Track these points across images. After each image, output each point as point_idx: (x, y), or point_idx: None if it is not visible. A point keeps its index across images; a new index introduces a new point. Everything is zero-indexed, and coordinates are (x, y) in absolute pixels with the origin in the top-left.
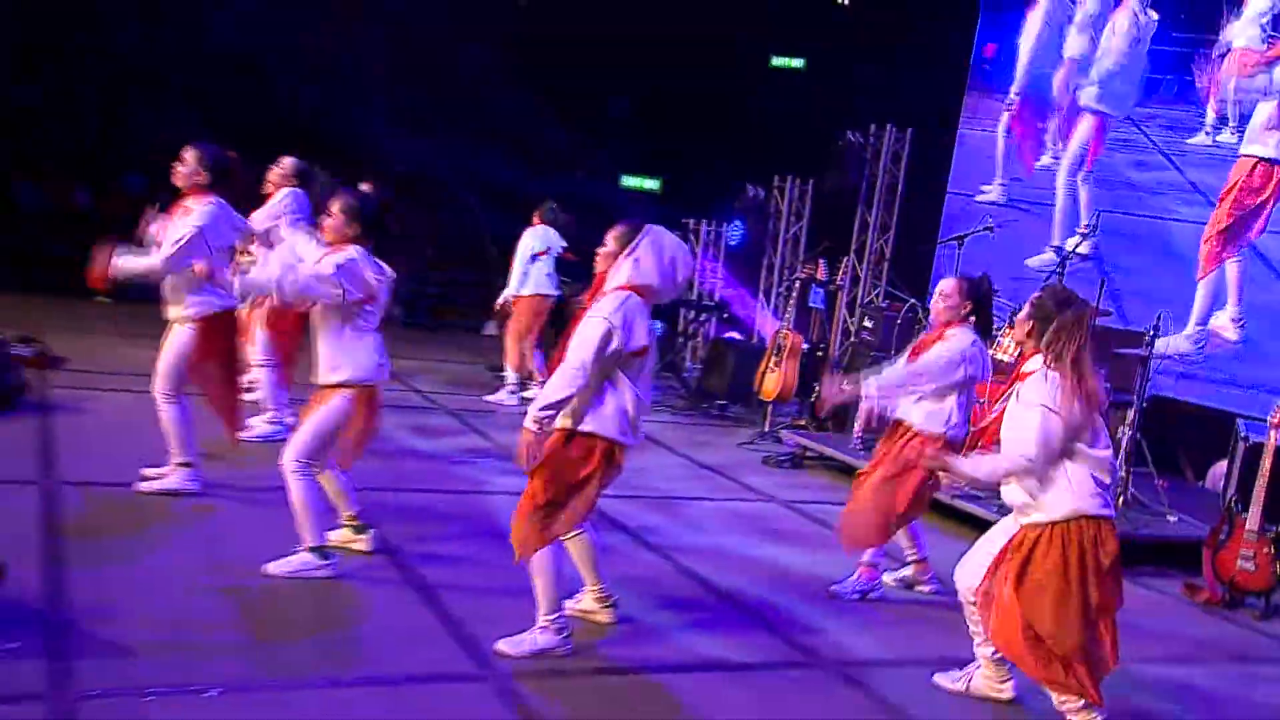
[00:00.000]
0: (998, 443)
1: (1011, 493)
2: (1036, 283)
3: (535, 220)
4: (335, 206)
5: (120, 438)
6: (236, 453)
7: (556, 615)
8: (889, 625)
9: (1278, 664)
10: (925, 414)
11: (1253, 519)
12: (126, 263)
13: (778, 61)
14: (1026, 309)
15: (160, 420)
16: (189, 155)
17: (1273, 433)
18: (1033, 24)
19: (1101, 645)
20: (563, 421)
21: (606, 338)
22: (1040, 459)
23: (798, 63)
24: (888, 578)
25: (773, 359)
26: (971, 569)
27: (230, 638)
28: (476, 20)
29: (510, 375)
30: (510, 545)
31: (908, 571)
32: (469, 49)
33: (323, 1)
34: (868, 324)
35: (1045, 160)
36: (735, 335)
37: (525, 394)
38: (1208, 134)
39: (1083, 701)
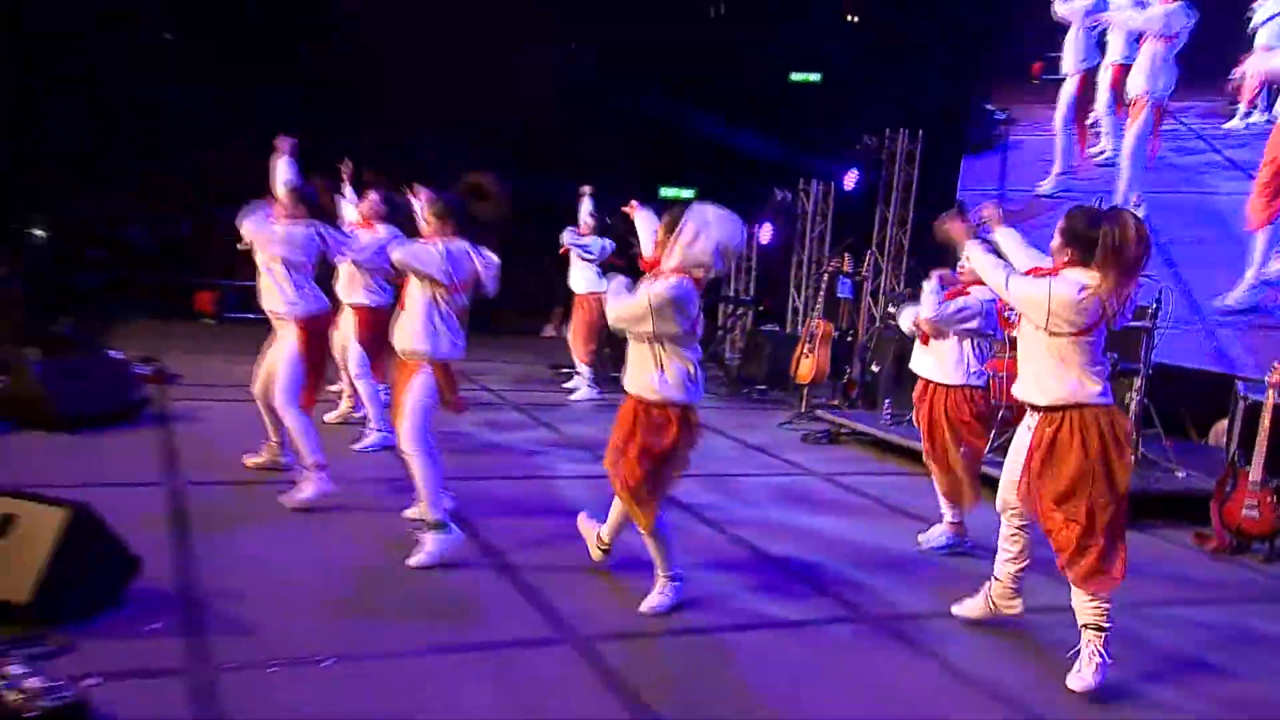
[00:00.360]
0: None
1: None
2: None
3: (584, 230)
4: (426, 211)
5: (231, 441)
6: (338, 453)
7: (675, 569)
8: (929, 581)
9: (1278, 602)
10: (937, 365)
11: (1255, 471)
12: None
13: (796, 76)
14: (1058, 237)
15: (288, 428)
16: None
17: (1271, 391)
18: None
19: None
20: (640, 392)
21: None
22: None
23: (815, 77)
24: (922, 538)
25: (806, 345)
26: (1008, 481)
27: (337, 610)
28: (532, 48)
29: (582, 369)
30: (572, 523)
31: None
32: (522, 77)
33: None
34: (891, 310)
35: (1096, 151)
36: (771, 326)
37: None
38: (1241, 119)
39: (1107, 608)
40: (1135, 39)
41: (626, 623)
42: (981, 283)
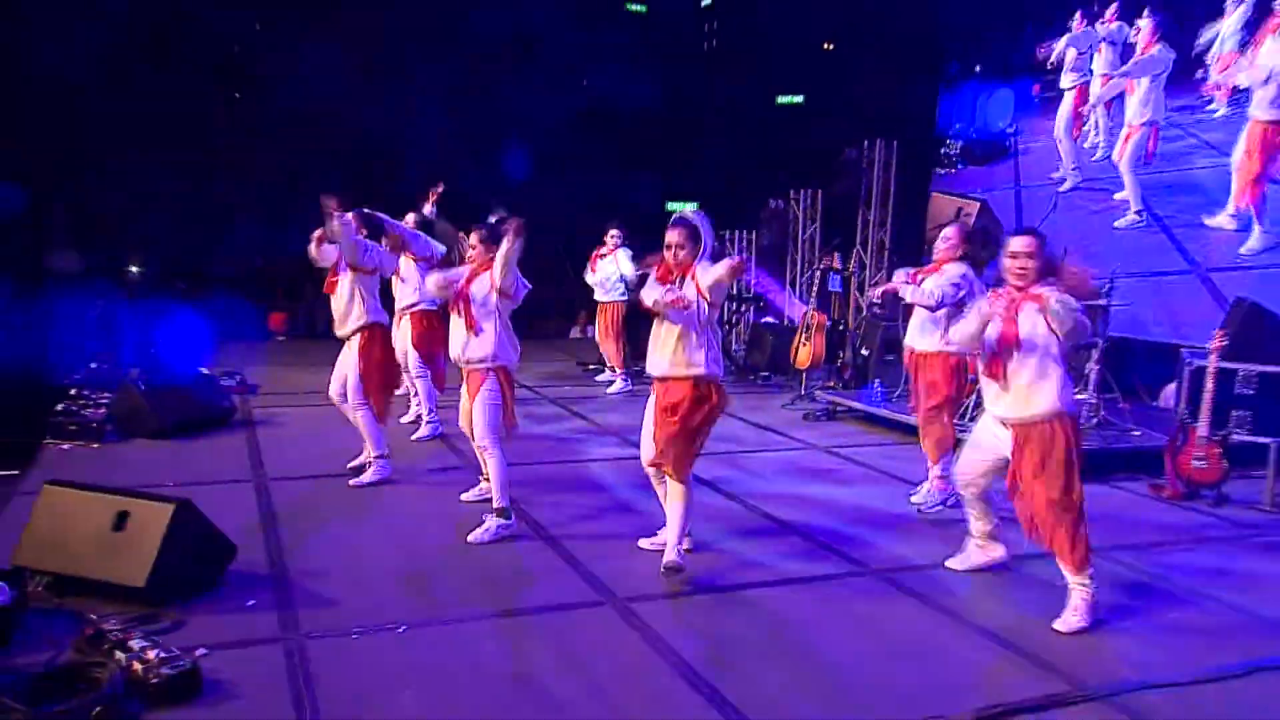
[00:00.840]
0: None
1: (1023, 396)
2: (1116, 239)
3: (611, 243)
4: (475, 237)
5: (309, 441)
6: (400, 448)
7: (684, 540)
8: (925, 537)
9: (1227, 541)
10: (921, 332)
11: (1202, 426)
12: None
13: (782, 99)
14: (1034, 243)
15: (355, 423)
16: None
17: (1212, 357)
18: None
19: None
20: (691, 371)
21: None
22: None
23: (798, 99)
24: (914, 497)
25: (804, 335)
26: (966, 466)
27: (404, 584)
28: (550, 77)
29: (615, 367)
30: (607, 499)
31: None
32: (548, 105)
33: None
34: (876, 301)
35: (1089, 147)
36: (771, 320)
37: (600, 378)
38: (1212, 110)
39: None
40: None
41: (657, 584)
42: (949, 260)
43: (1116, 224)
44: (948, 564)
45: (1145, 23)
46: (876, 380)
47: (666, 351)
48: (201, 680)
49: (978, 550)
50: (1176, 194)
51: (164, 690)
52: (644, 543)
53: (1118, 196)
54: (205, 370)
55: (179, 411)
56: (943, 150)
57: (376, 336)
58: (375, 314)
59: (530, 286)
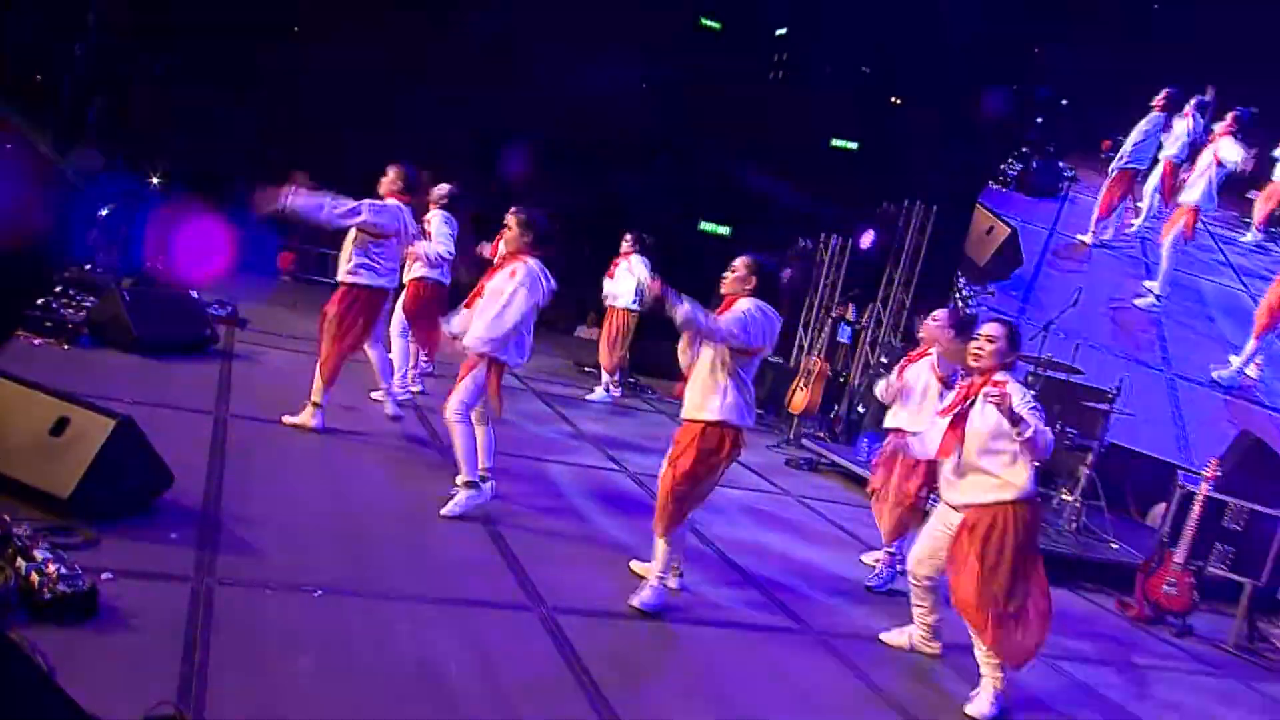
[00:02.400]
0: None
1: (975, 481)
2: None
3: (631, 245)
4: (511, 219)
5: (283, 385)
6: (372, 406)
7: (665, 574)
8: (869, 606)
9: (1183, 672)
10: (914, 422)
11: (1180, 553)
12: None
13: (837, 143)
14: (1001, 329)
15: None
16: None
17: (1204, 484)
18: (1140, 126)
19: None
20: (698, 415)
21: (745, 326)
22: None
23: (853, 145)
24: (865, 558)
25: (802, 380)
26: (920, 554)
27: (338, 550)
28: (603, 86)
29: (604, 376)
30: (570, 508)
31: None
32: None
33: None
34: (884, 360)
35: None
36: (777, 358)
37: (612, 390)
38: (1252, 234)
39: (998, 661)
40: (1189, 144)
41: (591, 601)
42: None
43: (1136, 302)
44: (883, 637)
45: (1228, 116)
46: (866, 439)
47: (690, 389)
48: (97, 604)
49: (920, 640)
50: (1185, 298)
51: (55, 607)
52: (636, 566)
53: (1147, 284)
54: (195, 294)
55: (159, 329)
56: (1001, 165)
57: (347, 297)
58: (356, 275)
59: (552, 286)
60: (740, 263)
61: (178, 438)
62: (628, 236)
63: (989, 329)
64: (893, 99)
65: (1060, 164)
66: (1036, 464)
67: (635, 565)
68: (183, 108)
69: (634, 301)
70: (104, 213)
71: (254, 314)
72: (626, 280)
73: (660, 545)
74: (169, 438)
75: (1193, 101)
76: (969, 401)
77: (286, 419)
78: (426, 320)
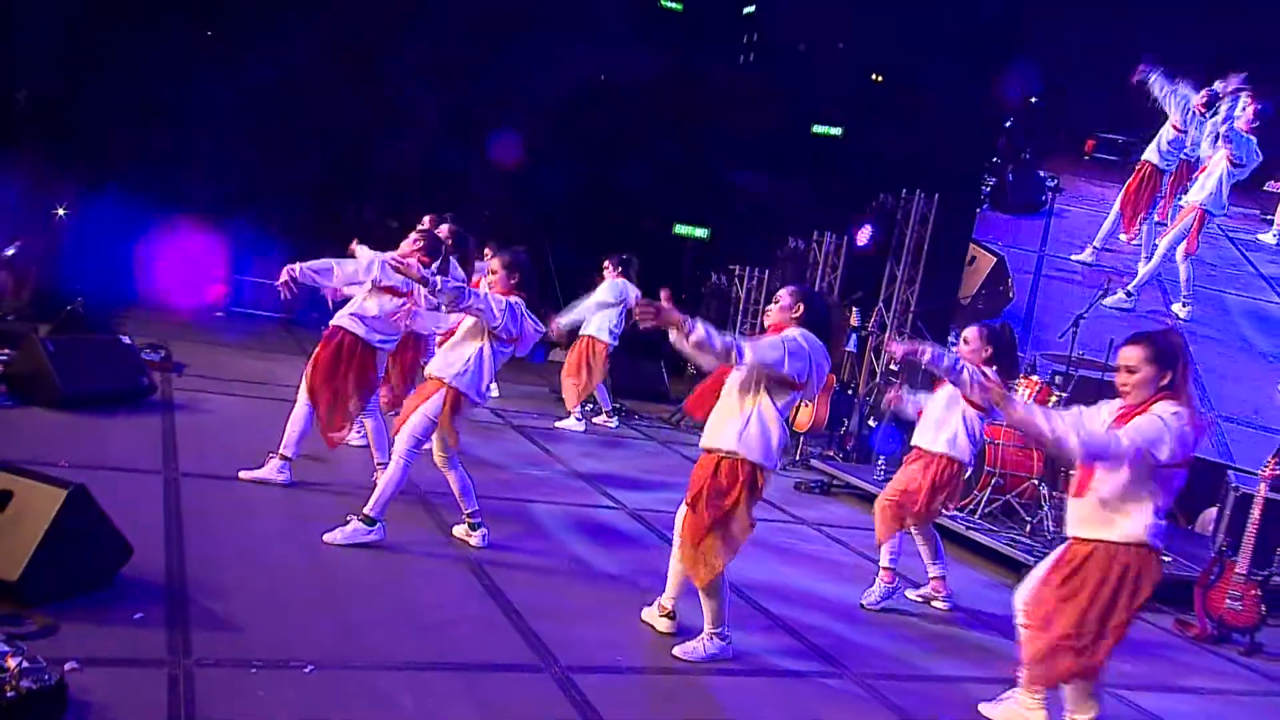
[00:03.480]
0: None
1: (1082, 506)
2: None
3: (610, 271)
4: (496, 262)
5: (231, 435)
6: (337, 456)
7: (723, 628)
8: (907, 640)
9: (1257, 695)
10: (933, 431)
11: (1243, 563)
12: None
13: (818, 129)
14: (1140, 353)
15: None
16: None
17: (1263, 485)
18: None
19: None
20: (713, 444)
21: (783, 351)
22: (1126, 448)
23: (836, 131)
24: (910, 594)
25: None
26: (1026, 590)
27: (323, 616)
28: (562, 81)
29: (570, 408)
30: (562, 548)
31: (926, 589)
32: (552, 109)
33: (411, 59)
34: (893, 367)
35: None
36: None
37: (595, 420)
38: (1275, 235)
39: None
40: (1213, 143)
41: (605, 656)
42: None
43: (1105, 301)
44: (983, 709)
45: (1249, 106)
46: (882, 457)
47: (713, 413)
48: (67, 699)
49: (1017, 703)
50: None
51: (21, 706)
52: (649, 615)
53: (1138, 282)
54: (124, 339)
55: (88, 381)
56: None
57: (334, 340)
58: (350, 321)
59: (543, 332)
60: (785, 292)
61: (127, 503)
62: (607, 263)
63: (1127, 355)
64: (874, 76)
65: (1040, 173)
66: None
67: (647, 615)
68: (87, 130)
69: (606, 330)
70: (10, 252)
71: (189, 356)
72: (598, 306)
73: (704, 600)
74: (117, 504)
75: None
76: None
77: (245, 474)
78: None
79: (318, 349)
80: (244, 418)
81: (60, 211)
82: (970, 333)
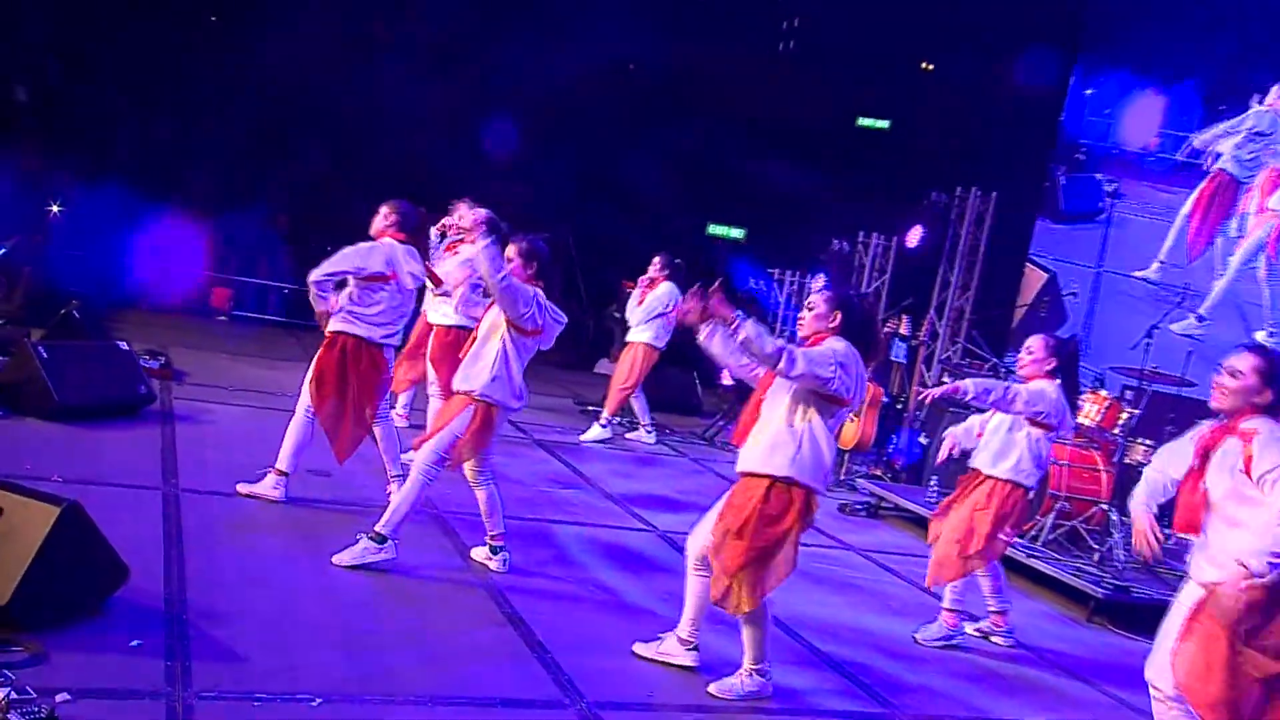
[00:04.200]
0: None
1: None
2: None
3: (657, 275)
4: (513, 249)
5: (235, 448)
6: (344, 470)
7: (764, 664)
8: (967, 679)
9: None
10: (993, 457)
11: None
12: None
13: (864, 122)
14: (1251, 361)
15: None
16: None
17: None
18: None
19: None
20: (762, 469)
21: (833, 366)
22: None
23: (883, 123)
24: (968, 628)
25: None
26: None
27: (332, 645)
28: (584, 70)
29: (605, 415)
30: (586, 574)
31: (985, 623)
32: (573, 97)
33: (419, 46)
34: (946, 380)
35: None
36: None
37: (630, 435)
38: None
39: None
40: None
41: (637, 691)
42: (1036, 378)
43: (1173, 327)
44: None
45: None
46: (934, 479)
47: (755, 435)
48: None
49: None
50: None
51: None
52: (643, 649)
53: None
54: (122, 345)
55: (84, 390)
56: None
57: (336, 346)
58: (347, 322)
59: (564, 322)
60: (818, 297)
61: (124, 521)
62: (656, 260)
63: (1237, 360)
64: (924, 64)
65: (1097, 176)
66: None
67: (661, 650)
68: (84, 118)
69: (654, 335)
70: (0, 251)
71: (190, 363)
72: (642, 311)
73: (745, 631)
74: (114, 522)
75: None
76: (1207, 456)
77: (243, 488)
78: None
79: (318, 357)
80: (248, 429)
81: (55, 208)
82: (1035, 342)
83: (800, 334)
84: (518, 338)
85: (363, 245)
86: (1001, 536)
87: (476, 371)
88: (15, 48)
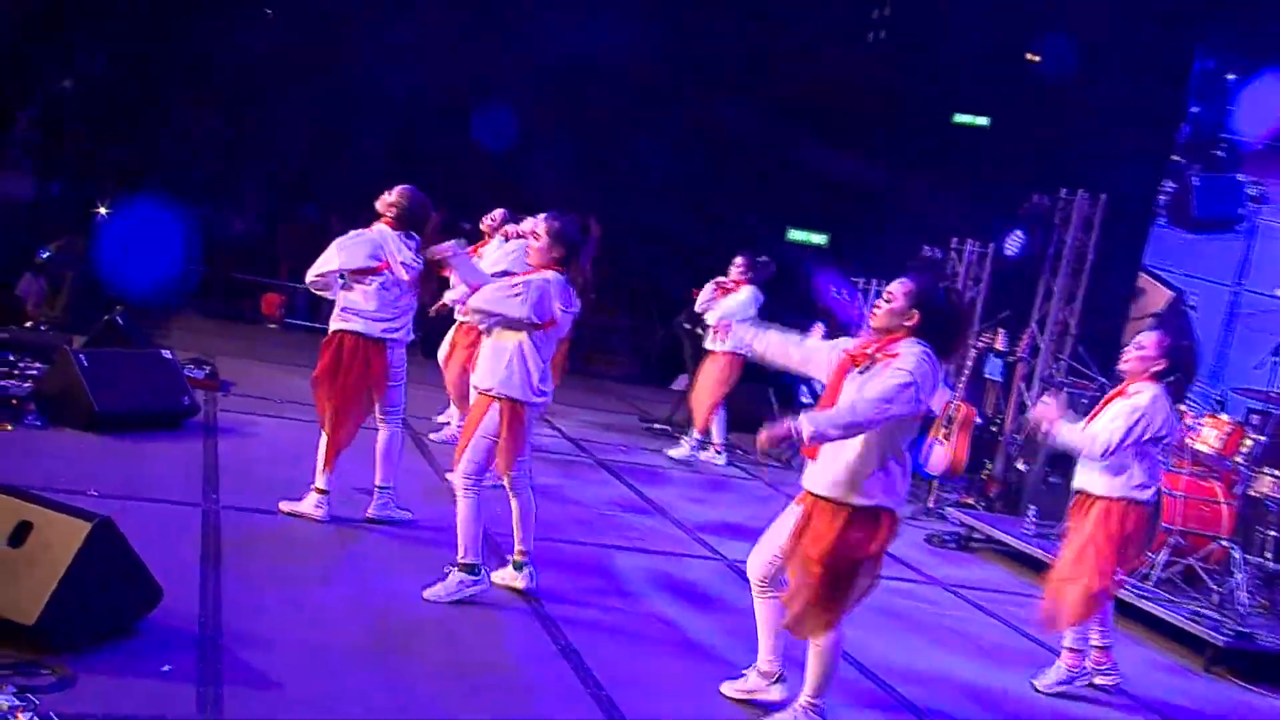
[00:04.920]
0: None
1: None
2: None
3: (739, 279)
4: (541, 228)
5: (279, 463)
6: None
7: (822, 700)
8: None
9: None
10: (1103, 480)
11: None
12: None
13: (961, 118)
14: None
15: None
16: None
17: None
18: None
19: None
20: (846, 498)
21: (912, 398)
22: None
23: (982, 120)
24: (1036, 682)
25: (941, 430)
26: None
27: (372, 673)
28: (647, 66)
29: (693, 433)
30: (647, 605)
31: (1087, 661)
32: (643, 104)
33: (491, 43)
34: (1047, 400)
35: None
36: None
37: (702, 454)
38: None
39: None
40: None
41: None
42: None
43: None
44: None
45: None
46: (1033, 508)
47: (833, 457)
48: None
49: None
50: None
51: None
52: (730, 689)
53: None
54: (167, 354)
55: (126, 401)
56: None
57: (333, 344)
58: (344, 319)
59: (576, 310)
60: (897, 288)
61: (160, 539)
62: (739, 260)
63: None
64: (1029, 55)
65: (1238, 176)
66: None
67: (744, 687)
68: (131, 114)
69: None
70: (45, 255)
71: (238, 373)
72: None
73: (812, 655)
74: (149, 539)
75: None
76: None
77: (285, 506)
78: None
79: (320, 361)
80: (294, 444)
81: (102, 210)
82: (1148, 338)
83: (873, 325)
84: (532, 331)
85: (348, 237)
86: (1131, 565)
87: (493, 368)
88: (60, 39)
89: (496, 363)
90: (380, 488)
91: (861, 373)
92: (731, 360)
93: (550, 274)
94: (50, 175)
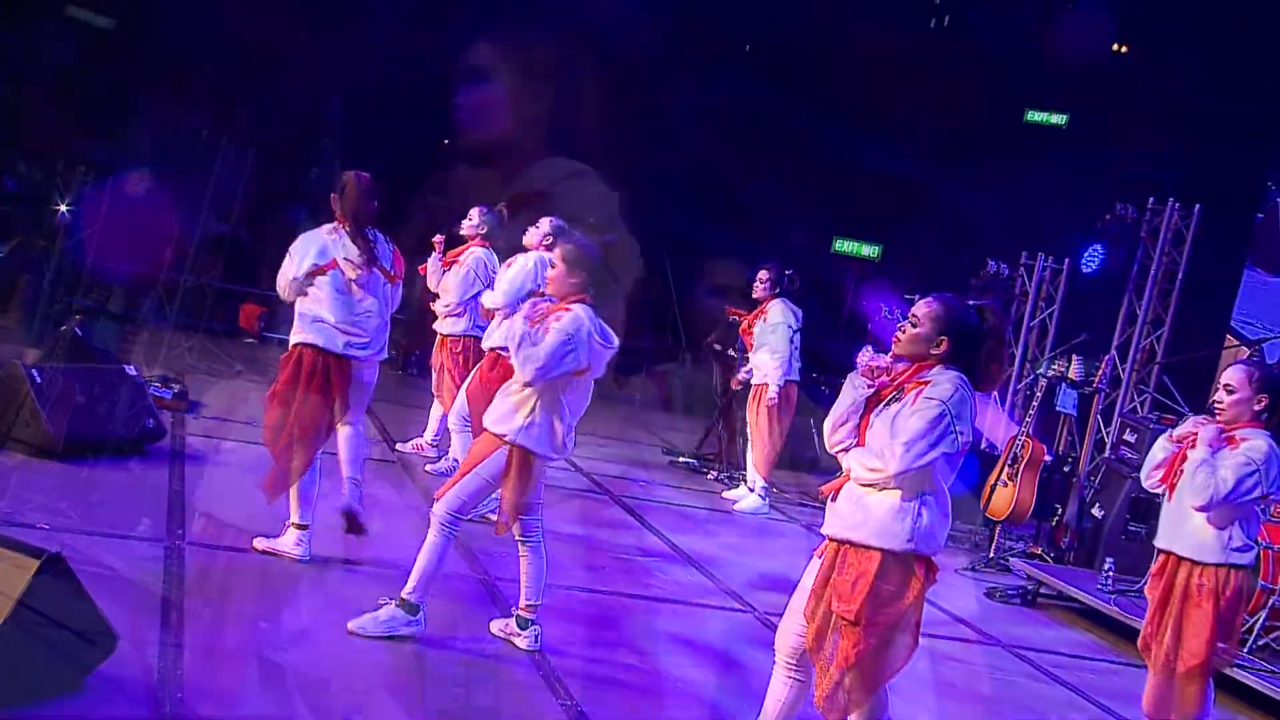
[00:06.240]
0: None
1: None
2: None
3: (766, 294)
4: (558, 253)
5: (255, 497)
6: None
7: None
8: None
9: None
10: (1197, 542)
11: None
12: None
13: (1034, 116)
14: None
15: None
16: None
17: None
18: None
19: None
20: (878, 542)
21: (947, 430)
22: None
23: (1059, 119)
24: None
25: (1006, 470)
26: None
27: None
28: (675, 49)
29: (755, 478)
30: (664, 661)
31: None
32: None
33: (520, 45)
34: (1129, 438)
35: None
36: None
37: (729, 493)
38: None
39: None
40: None
41: None
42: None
43: None
44: None
45: None
46: (1109, 561)
47: (850, 497)
48: None
49: None
50: None
51: None
52: None
53: None
54: (131, 371)
55: (82, 423)
56: None
57: (292, 359)
58: (300, 329)
59: (614, 346)
60: (924, 311)
61: (116, 578)
62: (763, 274)
63: None
64: (1115, 46)
65: None
66: None
67: None
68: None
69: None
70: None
71: (209, 392)
72: (763, 341)
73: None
74: (104, 579)
75: None
76: None
77: (261, 543)
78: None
79: (279, 377)
80: (268, 471)
81: (62, 207)
82: (1235, 375)
83: (895, 350)
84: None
85: (299, 239)
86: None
87: (508, 411)
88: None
89: (511, 406)
90: (352, 479)
91: (888, 405)
92: (783, 388)
93: (580, 309)
94: (4, 169)
